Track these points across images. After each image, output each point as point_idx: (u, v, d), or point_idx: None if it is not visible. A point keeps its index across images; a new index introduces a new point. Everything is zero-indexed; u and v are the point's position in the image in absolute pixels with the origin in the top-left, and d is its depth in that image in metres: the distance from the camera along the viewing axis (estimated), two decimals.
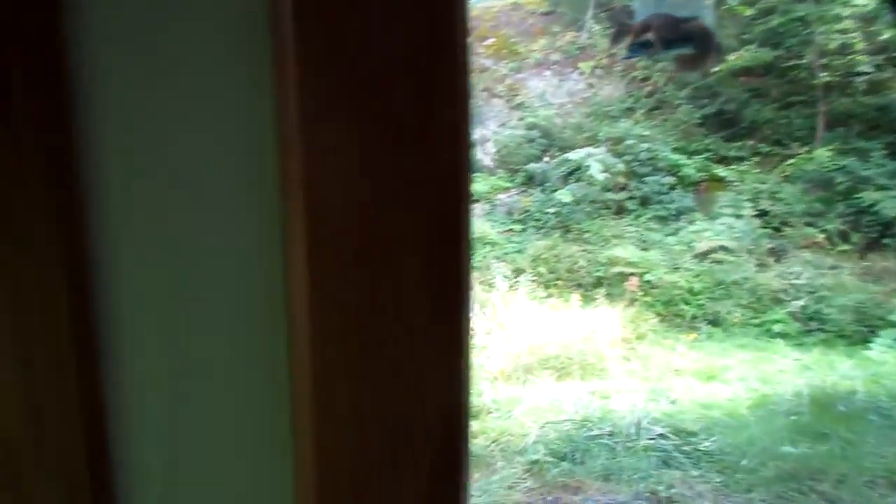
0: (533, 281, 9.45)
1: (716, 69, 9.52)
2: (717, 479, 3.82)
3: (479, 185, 11.50)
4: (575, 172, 10.58)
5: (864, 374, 7.06)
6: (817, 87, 9.22)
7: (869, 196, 8.53)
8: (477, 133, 12.04)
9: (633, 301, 8.92)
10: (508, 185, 11.36)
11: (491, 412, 5.22)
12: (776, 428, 4.76)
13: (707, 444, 4.29)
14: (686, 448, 4.23)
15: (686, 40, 2.20)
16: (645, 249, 9.73)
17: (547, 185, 10.84)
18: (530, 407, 5.27)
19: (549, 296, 9.27)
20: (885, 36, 8.65)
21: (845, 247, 8.78)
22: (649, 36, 2.20)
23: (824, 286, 8.48)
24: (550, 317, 8.45)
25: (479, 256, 10.60)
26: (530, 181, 11.15)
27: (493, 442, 4.42)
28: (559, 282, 9.84)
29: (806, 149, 9.27)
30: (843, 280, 8.53)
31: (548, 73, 11.75)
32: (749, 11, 9.32)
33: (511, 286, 9.13)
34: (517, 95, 11.62)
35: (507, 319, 8.06)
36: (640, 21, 2.26)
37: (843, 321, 8.31)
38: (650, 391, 5.93)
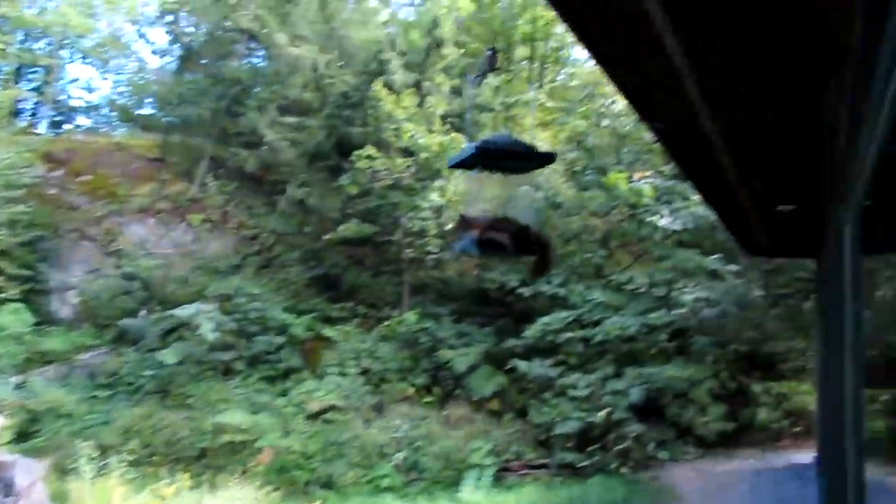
0: (124, 461, 7.85)
1: (326, 237, 10.28)
2: None
3: (54, 341, 9.26)
4: (178, 329, 9.57)
5: None
6: (403, 261, 10.77)
7: (444, 354, 10.07)
8: (56, 279, 9.90)
9: (248, 473, 8.22)
10: (94, 342, 9.49)
11: None
12: None
13: None
14: None
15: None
16: (255, 413, 9.23)
17: (143, 343, 9.46)
18: None
19: (146, 475, 7.85)
20: (448, 226, 10.73)
21: (430, 398, 10.04)
22: (500, 238, 2.18)
23: (419, 437, 9.42)
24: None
25: (48, 433, 8.39)
26: (122, 338, 9.59)
27: None
28: (156, 457, 8.46)
29: (397, 312, 10.53)
30: (431, 429, 9.63)
31: (152, 220, 10.71)
32: (354, 189, 10.50)
33: (99, 470, 7.40)
34: (114, 241, 10.14)
35: None
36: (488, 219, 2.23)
37: (436, 468, 9.27)
38: None
